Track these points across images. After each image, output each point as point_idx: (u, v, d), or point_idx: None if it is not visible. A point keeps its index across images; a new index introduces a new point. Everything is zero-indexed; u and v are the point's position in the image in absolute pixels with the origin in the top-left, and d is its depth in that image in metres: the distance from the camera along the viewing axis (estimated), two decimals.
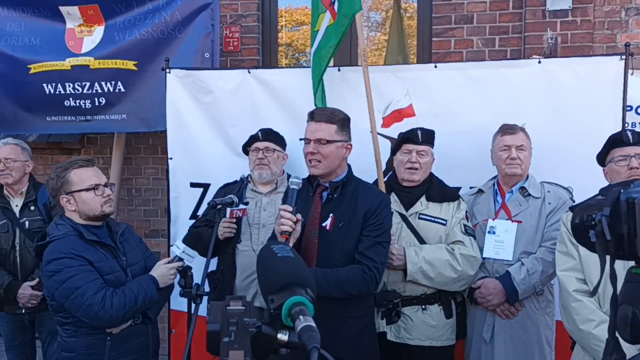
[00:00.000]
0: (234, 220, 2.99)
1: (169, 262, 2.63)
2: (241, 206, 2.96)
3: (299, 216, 2.42)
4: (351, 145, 2.67)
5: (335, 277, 2.45)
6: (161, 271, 2.59)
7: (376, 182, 3.43)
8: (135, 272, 2.60)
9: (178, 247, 2.65)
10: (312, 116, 2.60)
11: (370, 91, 2.89)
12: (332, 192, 2.59)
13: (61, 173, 2.53)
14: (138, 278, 2.56)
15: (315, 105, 3.20)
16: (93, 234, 2.51)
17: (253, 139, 3.28)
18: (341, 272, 2.46)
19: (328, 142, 2.54)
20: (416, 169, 2.93)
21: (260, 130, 3.28)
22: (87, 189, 2.51)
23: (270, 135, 3.26)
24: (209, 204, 3.03)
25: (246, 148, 3.33)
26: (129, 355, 2.53)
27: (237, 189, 3.25)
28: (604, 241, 1.03)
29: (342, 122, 2.62)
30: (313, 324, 0.86)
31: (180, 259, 2.63)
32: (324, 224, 2.55)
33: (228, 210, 2.93)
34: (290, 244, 2.36)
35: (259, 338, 0.87)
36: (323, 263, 2.50)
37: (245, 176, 3.35)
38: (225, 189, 3.33)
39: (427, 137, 2.99)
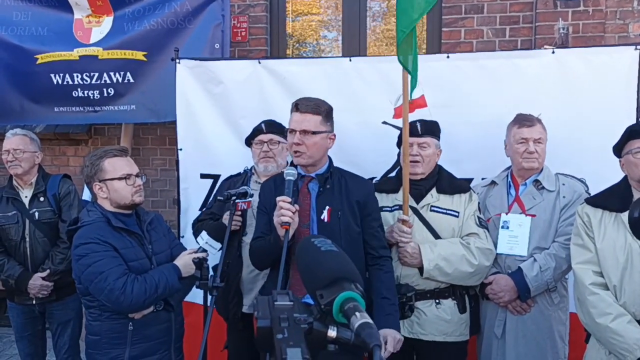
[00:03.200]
0: (239, 212, 2.96)
1: (193, 253, 2.66)
2: (248, 198, 2.95)
3: (297, 207, 2.44)
4: (335, 135, 2.67)
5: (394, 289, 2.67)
6: (185, 261, 2.63)
7: (386, 173, 3.44)
8: (161, 261, 2.65)
9: (202, 238, 2.70)
10: (297, 107, 2.58)
11: (408, 81, 2.85)
12: (322, 184, 2.62)
13: (95, 161, 2.61)
14: (161, 266, 2.61)
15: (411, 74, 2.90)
16: (121, 221, 2.58)
17: (256, 131, 3.23)
18: (386, 283, 2.63)
19: (313, 133, 2.54)
20: (417, 162, 2.89)
21: (264, 122, 3.24)
22: (119, 178, 2.59)
23: (273, 127, 3.21)
24: (220, 196, 3.02)
25: (249, 141, 3.28)
26: (150, 341, 2.58)
27: (241, 181, 3.21)
28: None
29: (327, 112, 2.62)
30: (370, 320, 0.85)
31: (205, 250, 2.64)
32: (321, 217, 2.58)
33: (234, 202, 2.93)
34: (290, 235, 2.38)
35: (309, 334, 0.86)
36: None
37: (249, 168, 3.31)
38: (229, 181, 3.30)
39: (427, 128, 2.95)
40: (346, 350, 0.89)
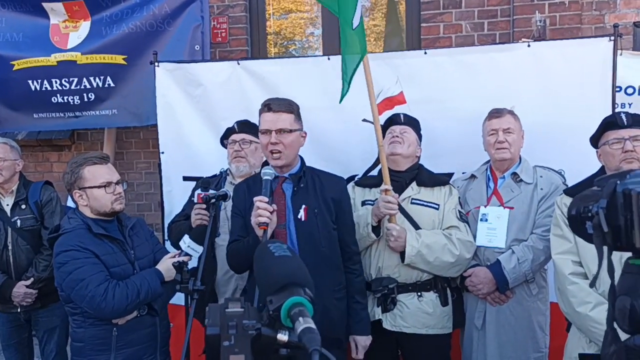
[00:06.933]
0: (204, 206, 2.92)
1: (175, 257, 2.66)
2: (228, 200, 2.93)
3: (274, 206, 2.44)
4: (306, 133, 2.70)
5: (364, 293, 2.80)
6: (167, 265, 2.63)
7: (367, 171, 3.45)
8: (144, 265, 2.65)
9: (184, 242, 2.70)
10: (269, 107, 2.57)
11: (372, 80, 2.88)
12: (296, 184, 2.64)
13: (75, 169, 2.60)
14: (143, 271, 2.61)
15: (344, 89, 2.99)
16: (102, 228, 2.58)
17: (229, 131, 3.23)
18: (357, 288, 2.75)
19: (290, 131, 2.56)
20: (399, 142, 2.93)
21: (237, 122, 3.23)
22: (98, 186, 2.58)
23: (246, 127, 3.20)
24: (193, 197, 3.04)
25: (223, 141, 3.28)
26: (135, 346, 2.58)
27: (216, 182, 3.20)
28: (601, 233, 1.04)
29: (297, 111, 2.65)
30: (313, 325, 0.86)
31: (187, 254, 2.65)
32: (298, 216, 2.59)
33: (196, 194, 2.95)
34: (268, 235, 2.39)
35: (259, 340, 0.88)
36: (307, 251, 2.54)
37: (225, 169, 3.30)
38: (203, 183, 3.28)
39: (409, 119, 3.04)
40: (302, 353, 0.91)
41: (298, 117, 2.64)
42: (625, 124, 2.47)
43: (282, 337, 0.91)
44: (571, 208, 1.17)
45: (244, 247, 2.56)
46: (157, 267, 2.65)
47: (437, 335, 2.86)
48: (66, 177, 2.63)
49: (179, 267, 2.45)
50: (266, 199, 2.40)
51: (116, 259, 2.55)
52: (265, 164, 2.71)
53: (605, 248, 1.12)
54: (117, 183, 2.64)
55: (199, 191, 2.97)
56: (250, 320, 0.89)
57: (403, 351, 2.99)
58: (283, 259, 1.02)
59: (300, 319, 0.86)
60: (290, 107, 2.61)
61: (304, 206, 2.60)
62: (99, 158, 2.67)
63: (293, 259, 1.04)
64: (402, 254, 2.82)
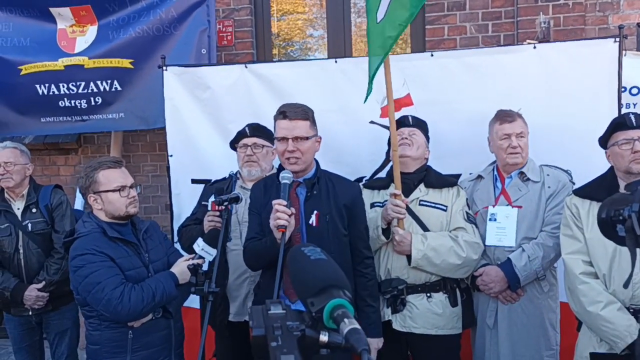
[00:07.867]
0: (218, 213, 2.95)
1: (189, 259, 2.68)
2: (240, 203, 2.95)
3: (292, 209, 2.46)
4: (320, 138, 2.72)
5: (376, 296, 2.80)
6: (181, 268, 2.65)
7: (375, 173, 3.48)
8: (158, 269, 2.67)
9: (198, 245, 2.72)
10: (285, 114, 2.60)
11: (391, 82, 2.90)
12: (310, 189, 2.65)
13: (90, 173, 2.62)
14: (158, 274, 2.63)
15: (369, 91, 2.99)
16: (116, 232, 2.60)
17: (240, 135, 3.24)
18: (369, 291, 2.74)
19: (307, 138, 2.59)
20: (408, 144, 2.96)
21: (248, 125, 3.24)
22: (113, 190, 2.60)
23: (258, 131, 3.21)
24: (205, 201, 3.05)
25: (234, 144, 3.29)
26: (151, 348, 2.61)
27: (226, 186, 3.22)
28: (634, 235, 1.06)
29: (312, 116, 2.68)
30: (358, 326, 0.90)
31: (201, 257, 2.68)
32: (310, 222, 2.61)
33: (210, 201, 2.96)
34: (286, 238, 2.41)
35: (302, 341, 0.91)
36: None
37: (234, 172, 3.31)
38: (213, 186, 3.30)
39: (417, 121, 3.06)
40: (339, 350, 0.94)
41: (313, 122, 2.67)
42: (635, 124, 2.49)
43: (323, 337, 0.94)
44: (601, 212, 1.20)
45: (262, 247, 2.58)
46: (171, 269, 2.67)
47: (446, 336, 2.88)
48: (80, 181, 2.66)
49: (194, 269, 2.47)
50: (285, 202, 2.42)
51: (131, 262, 2.58)
52: (280, 167, 2.73)
53: (638, 250, 1.14)
54: (131, 187, 2.66)
55: (212, 199, 2.99)
56: (294, 322, 0.91)
57: (413, 352, 3.01)
58: (320, 262, 1.05)
59: (346, 320, 0.89)
60: (305, 114, 2.63)
61: (315, 212, 2.62)
62: (114, 162, 2.69)
63: (329, 262, 1.06)
64: (409, 257, 2.84)
